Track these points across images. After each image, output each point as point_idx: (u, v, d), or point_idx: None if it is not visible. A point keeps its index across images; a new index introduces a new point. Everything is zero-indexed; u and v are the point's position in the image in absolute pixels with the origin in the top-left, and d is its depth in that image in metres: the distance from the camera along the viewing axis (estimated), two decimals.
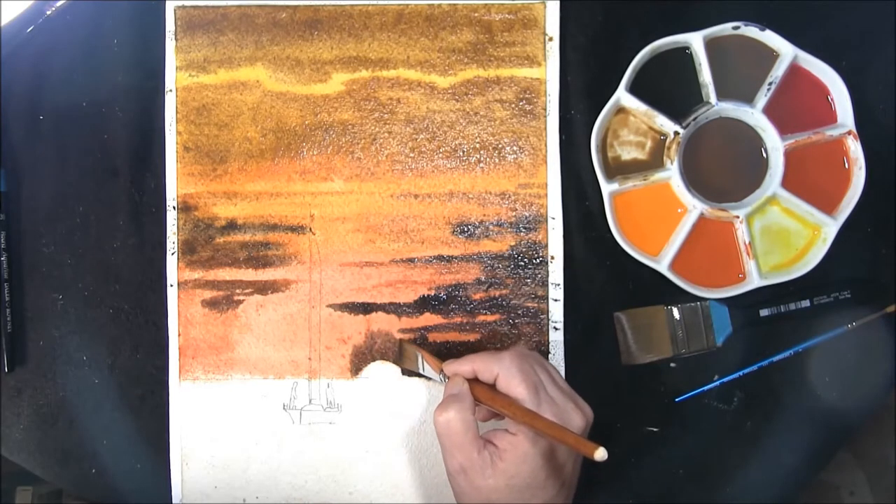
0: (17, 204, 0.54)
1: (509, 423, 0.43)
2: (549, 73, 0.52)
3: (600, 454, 0.37)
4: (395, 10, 0.53)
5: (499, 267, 0.53)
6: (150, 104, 0.53)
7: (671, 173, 0.50)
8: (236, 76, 0.53)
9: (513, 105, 0.53)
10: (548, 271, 0.52)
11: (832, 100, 0.51)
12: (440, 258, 0.53)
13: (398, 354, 0.52)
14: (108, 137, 0.53)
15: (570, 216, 0.52)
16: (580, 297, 0.53)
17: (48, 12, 0.54)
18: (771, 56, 0.51)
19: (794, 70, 0.51)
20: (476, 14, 0.53)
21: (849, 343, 0.52)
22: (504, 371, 0.43)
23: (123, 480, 0.53)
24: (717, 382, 0.52)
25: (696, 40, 0.50)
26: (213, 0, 0.53)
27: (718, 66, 0.50)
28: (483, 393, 0.44)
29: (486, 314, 0.52)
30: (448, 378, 0.46)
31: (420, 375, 0.52)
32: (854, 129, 0.50)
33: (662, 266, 0.50)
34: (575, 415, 0.43)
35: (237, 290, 0.53)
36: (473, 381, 0.45)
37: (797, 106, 0.51)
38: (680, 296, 0.51)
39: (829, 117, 0.51)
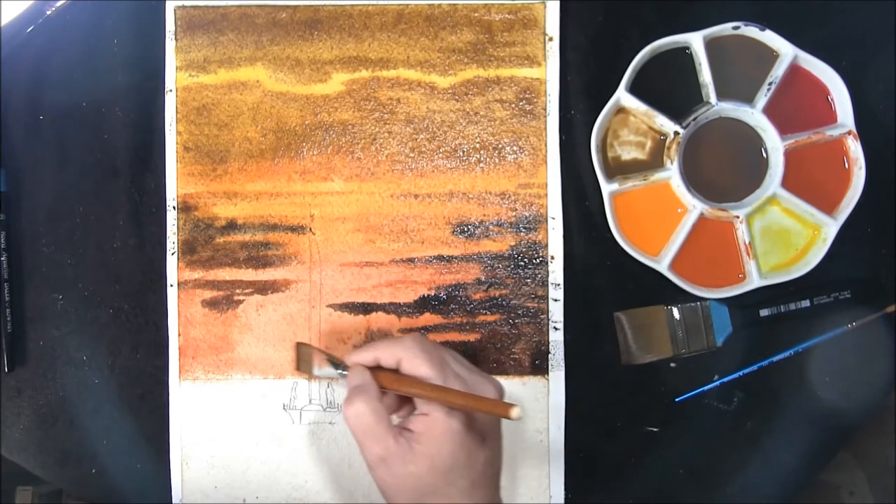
0: (17, 204, 0.54)
1: (420, 405, 0.42)
2: (549, 73, 0.52)
3: (516, 412, 0.37)
4: (395, 10, 0.53)
5: (499, 267, 0.53)
6: (150, 104, 0.53)
7: (671, 173, 0.50)
8: (236, 76, 0.53)
9: (513, 105, 0.53)
10: (548, 271, 0.52)
11: (832, 100, 0.51)
12: (440, 258, 0.53)
13: (296, 360, 0.50)
14: (108, 137, 0.53)
15: (570, 216, 0.52)
16: (580, 297, 0.53)
17: (48, 12, 0.54)
18: (771, 56, 0.51)
19: (794, 70, 0.51)
20: (476, 14, 0.53)
21: (849, 343, 0.52)
22: (407, 352, 0.42)
23: (123, 480, 0.53)
24: (717, 382, 0.52)
25: (696, 40, 0.50)
26: (213, 0, 0.53)
27: (718, 66, 0.50)
28: (388, 379, 0.43)
29: (486, 314, 0.52)
30: (345, 370, 0.45)
31: (319, 378, 0.51)
32: (854, 129, 0.50)
33: (662, 266, 0.50)
34: (486, 386, 0.43)
35: (237, 290, 0.53)
36: (377, 369, 0.44)
37: (797, 106, 0.51)
38: (680, 296, 0.51)
39: (829, 117, 0.51)
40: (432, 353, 0.42)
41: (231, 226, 0.53)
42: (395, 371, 0.43)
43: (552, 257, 0.52)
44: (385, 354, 0.43)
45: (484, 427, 0.42)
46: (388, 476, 0.42)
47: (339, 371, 0.46)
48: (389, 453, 0.41)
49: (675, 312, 0.51)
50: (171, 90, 0.53)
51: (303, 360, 0.49)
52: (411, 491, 0.41)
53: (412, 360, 0.42)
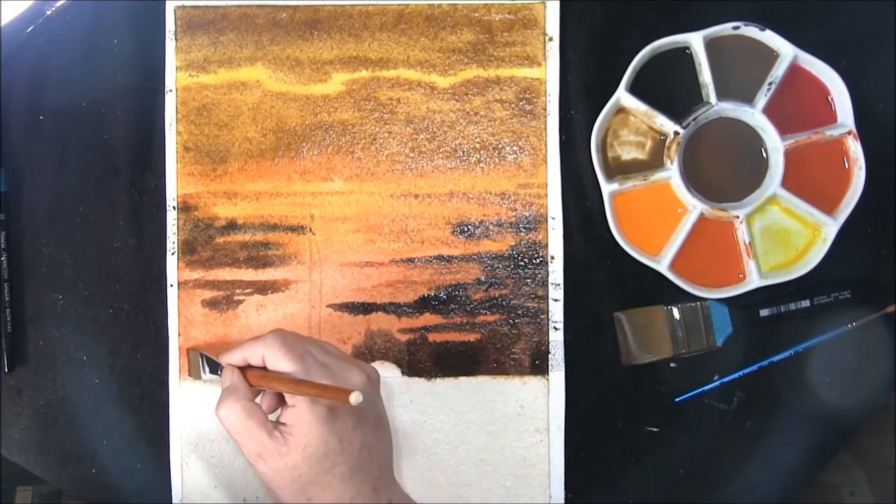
0: (17, 204, 0.54)
1: (288, 398, 0.43)
2: (549, 73, 0.52)
3: (355, 397, 0.38)
4: (395, 10, 0.53)
5: (499, 267, 0.53)
6: (150, 104, 0.53)
7: (671, 173, 0.50)
8: (236, 76, 0.53)
9: (513, 105, 0.53)
10: (548, 271, 0.52)
11: (832, 100, 0.51)
12: (440, 258, 0.53)
13: (188, 366, 0.52)
14: (108, 137, 0.53)
15: (570, 216, 0.52)
16: (580, 297, 0.53)
17: (48, 12, 0.54)
18: (771, 56, 0.51)
19: (794, 70, 0.51)
20: (476, 14, 0.53)
21: (849, 343, 0.52)
22: (268, 348, 0.43)
23: (123, 480, 0.53)
24: (717, 382, 0.52)
25: (696, 40, 0.50)
26: (213, 0, 0.53)
27: (718, 66, 0.50)
28: (255, 377, 0.44)
29: (486, 314, 0.52)
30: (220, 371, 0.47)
31: (209, 382, 0.52)
32: (854, 129, 0.50)
33: (662, 266, 0.50)
34: (352, 373, 0.44)
35: (237, 290, 0.53)
36: (247, 369, 0.45)
37: (797, 106, 0.51)
38: (680, 296, 0.51)
39: (829, 117, 0.51)
40: (294, 347, 0.43)
41: (231, 226, 0.53)
42: (263, 368, 0.45)
43: (552, 257, 0.52)
44: (250, 353, 0.44)
45: (357, 412, 0.43)
46: (267, 470, 0.43)
47: (220, 371, 0.47)
48: (265, 448, 0.42)
49: (675, 312, 0.51)
50: (171, 90, 0.53)
51: (192, 365, 0.50)
52: (291, 482, 0.42)
53: (273, 356, 0.43)
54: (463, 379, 0.52)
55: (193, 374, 0.50)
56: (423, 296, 0.53)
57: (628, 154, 0.52)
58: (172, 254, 0.53)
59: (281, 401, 0.46)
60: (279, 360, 0.43)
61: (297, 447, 0.42)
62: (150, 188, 0.53)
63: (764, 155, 0.51)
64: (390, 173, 0.53)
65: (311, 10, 0.53)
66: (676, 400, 0.52)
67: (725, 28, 0.51)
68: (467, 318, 0.53)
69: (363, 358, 0.52)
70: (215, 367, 0.48)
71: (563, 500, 0.52)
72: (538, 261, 0.52)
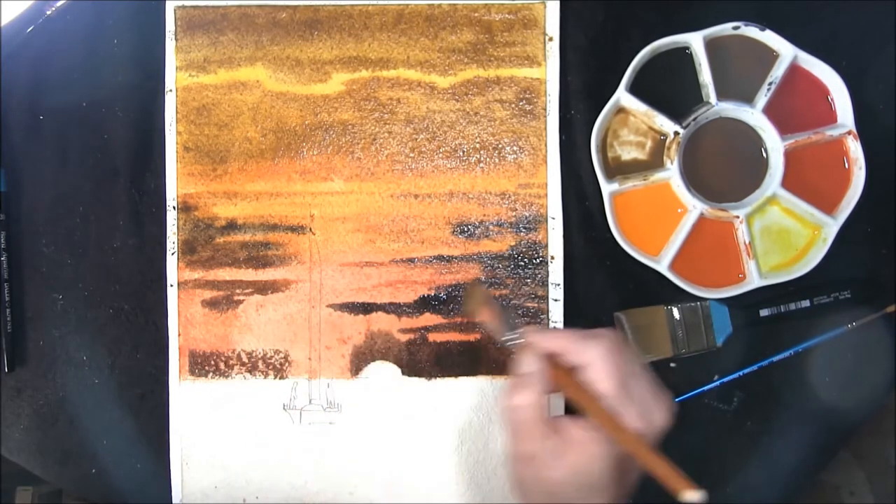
0: (17, 204, 0.54)
1: (588, 419, 0.39)
2: (549, 73, 0.52)
3: (691, 496, 0.34)
4: (395, 10, 0.53)
5: (499, 267, 0.53)
6: (150, 104, 0.53)
7: (671, 173, 0.50)
8: (236, 76, 0.53)
9: (513, 105, 0.53)
10: (548, 271, 0.52)
11: (832, 100, 0.51)
12: (440, 258, 0.53)
13: (464, 298, 0.49)
14: (108, 137, 0.54)
15: (570, 216, 0.52)
16: (580, 297, 0.53)
17: (48, 12, 0.54)
18: (771, 56, 0.51)
19: (794, 70, 0.51)
20: (476, 14, 0.53)
21: (849, 343, 0.52)
22: (597, 361, 0.38)
23: (123, 480, 0.53)
24: (717, 382, 0.52)
25: (696, 40, 0.50)
26: (213, 0, 0.53)
27: (718, 66, 0.50)
28: (563, 378, 0.39)
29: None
30: (515, 341, 0.42)
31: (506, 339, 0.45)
32: (854, 129, 0.50)
33: (662, 266, 0.50)
34: (658, 415, 0.39)
35: (237, 290, 0.53)
36: (551, 360, 0.40)
37: (797, 106, 0.51)
38: (680, 296, 0.51)
39: (829, 117, 0.51)
40: (620, 368, 0.38)
41: (231, 226, 0.53)
42: (572, 369, 0.40)
43: (552, 257, 0.52)
44: (571, 350, 0.39)
45: (635, 463, 0.39)
46: (529, 474, 0.39)
47: (508, 338, 0.43)
48: (539, 454, 0.38)
49: (675, 312, 0.51)
50: (171, 90, 0.53)
51: (471, 300, 0.47)
52: (545, 495, 0.39)
53: (598, 372, 0.38)
54: (463, 379, 0.52)
55: (467, 310, 0.46)
56: (423, 296, 0.53)
57: (628, 154, 0.52)
58: (172, 254, 0.53)
59: (557, 389, 0.41)
60: (602, 380, 0.38)
61: (572, 469, 0.38)
62: (150, 188, 0.53)
63: (764, 155, 0.51)
64: (390, 173, 0.53)
65: (311, 10, 0.53)
66: (676, 400, 0.52)
67: (725, 28, 0.51)
68: (467, 317, 0.53)
69: (363, 358, 0.53)
70: (503, 323, 0.43)
71: None
72: (538, 261, 0.52)
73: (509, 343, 0.43)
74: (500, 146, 0.53)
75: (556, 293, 0.52)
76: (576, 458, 0.38)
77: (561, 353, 0.40)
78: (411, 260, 0.53)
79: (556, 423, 0.39)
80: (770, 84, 0.50)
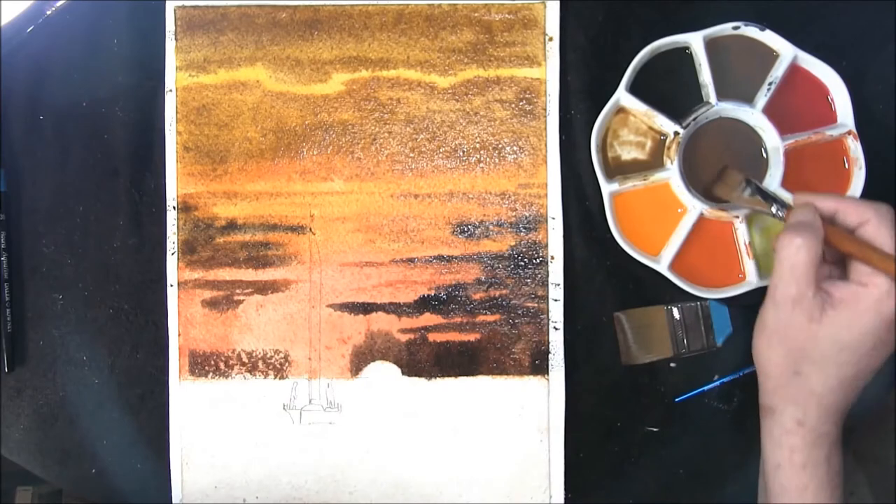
0: (17, 204, 0.54)
1: (858, 275, 0.39)
2: (549, 73, 0.52)
3: None
4: (395, 10, 0.53)
5: (499, 267, 0.53)
6: (150, 104, 0.53)
7: (671, 173, 0.50)
8: (236, 76, 0.53)
9: (513, 105, 0.53)
10: (548, 271, 0.52)
11: (832, 100, 0.51)
12: (440, 258, 0.53)
13: (715, 180, 0.48)
14: (108, 137, 0.54)
15: (570, 216, 0.52)
16: (580, 297, 0.53)
17: (48, 12, 0.54)
18: (771, 56, 0.51)
19: (794, 70, 0.51)
20: (476, 14, 0.53)
21: None
22: (878, 217, 0.39)
23: (123, 480, 0.53)
24: (717, 382, 0.52)
25: (696, 40, 0.50)
26: (213, 0, 0.53)
27: (718, 66, 0.50)
28: (836, 233, 0.40)
29: (486, 314, 0.52)
30: (789, 209, 0.42)
31: (744, 204, 0.47)
32: (854, 129, 0.50)
33: (662, 266, 0.50)
34: None
35: (237, 290, 0.53)
36: (826, 220, 0.40)
37: (797, 106, 0.51)
38: (680, 296, 0.51)
39: (829, 117, 0.51)
40: None
41: (231, 226, 0.53)
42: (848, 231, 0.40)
43: (552, 257, 0.52)
44: (851, 209, 0.40)
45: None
46: (785, 320, 0.40)
47: (776, 207, 0.43)
48: (802, 301, 0.39)
49: (675, 312, 0.51)
50: (171, 90, 0.53)
51: (726, 183, 0.47)
52: (795, 347, 0.40)
53: (881, 226, 0.39)
54: (463, 379, 0.52)
55: (722, 192, 0.46)
56: (423, 296, 0.53)
57: (628, 154, 0.52)
58: (172, 254, 0.53)
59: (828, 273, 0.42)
60: (885, 235, 0.38)
61: (831, 324, 0.38)
62: (150, 188, 0.53)
63: (764, 155, 0.51)
64: (390, 173, 0.53)
65: (311, 10, 0.53)
66: (676, 400, 0.52)
67: (725, 28, 0.51)
68: (467, 318, 0.53)
69: (363, 358, 0.53)
70: (763, 197, 0.44)
71: (563, 500, 0.52)
72: (538, 261, 0.52)
73: (779, 210, 0.43)
74: (500, 146, 0.53)
75: (556, 293, 0.52)
76: (838, 313, 0.39)
77: (837, 212, 0.41)
78: (411, 260, 0.53)
79: (824, 283, 0.40)
80: (770, 84, 0.50)
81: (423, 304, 0.53)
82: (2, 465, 0.57)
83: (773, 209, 0.44)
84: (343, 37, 0.53)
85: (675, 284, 0.51)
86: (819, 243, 0.39)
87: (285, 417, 0.53)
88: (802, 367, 0.40)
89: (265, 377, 0.53)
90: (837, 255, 0.42)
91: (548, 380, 0.52)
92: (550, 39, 0.52)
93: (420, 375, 0.52)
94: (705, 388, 0.52)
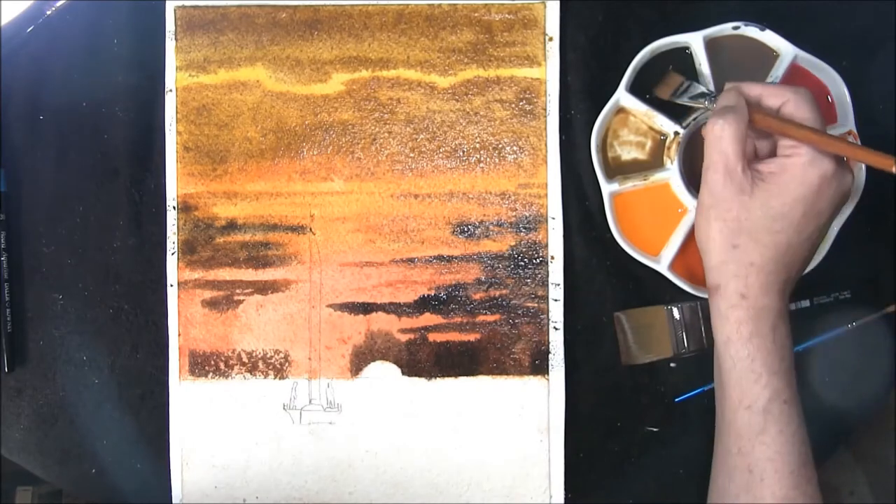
0: (17, 204, 0.54)
1: (783, 149, 0.42)
2: (549, 73, 0.52)
3: None
4: (395, 10, 0.53)
5: (499, 267, 0.53)
6: (150, 104, 0.53)
7: (671, 173, 0.50)
8: (236, 76, 0.53)
9: (513, 105, 0.53)
10: (548, 271, 0.52)
11: (832, 100, 0.51)
12: (440, 258, 0.53)
13: (657, 83, 0.50)
14: (108, 137, 0.54)
15: (570, 216, 0.52)
16: (580, 297, 0.53)
17: (48, 12, 0.54)
18: (771, 56, 0.51)
19: (794, 70, 0.51)
20: (476, 14, 0.53)
21: (849, 343, 0.52)
22: (796, 95, 0.42)
23: (123, 480, 0.53)
24: None
25: (696, 40, 0.50)
26: (213, 0, 0.53)
27: (718, 67, 0.50)
28: (762, 116, 0.42)
29: (486, 314, 0.52)
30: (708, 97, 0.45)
31: (678, 101, 0.50)
32: (854, 129, 0.50)
33: (662, 266, 0.50)
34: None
35: (237, 290, 0.53)
36: (752, 105, 0.43)
37: None
38: (680, 296, 0.51)
39: (829, 117, 0.51)
40: (819, 108, 0.42)
41: (231, 226, 0.53)
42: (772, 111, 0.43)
43: (552, 257, 0.52)
44: (771, 92, 0.43)
45: (827, 202, 0.42)
46: (713, 195, 0.42)
47: (709, 102, 0.45)
48: (732, 177, 0.41)
49: (675, 312, 0.51)
50: (171, 90, 0.53)
51: (667, 84, 0.49)
52: (731, 220, 0.42)
53: (799, 105, 0.42)
54: (463, 379, 0.52)
55: (661, 92, 0.49)
56: (423, 296, 0.53)
57: (628, 154, 0.52)
58: (172, 254, 0.53)
59: (764, 154, 0.45)
60: (806, 110, 0.41)
61: (763, 195, 0.41)
62: (150, 188, 0.53)
63: None
64: (390, 173, 0.53)
65: (311, 10, 0.53)
66: (676, 400, 0.52)
67: (725, 28, 0.51)
68: (467, 318, 0.53)
69: (363, 358, 0.53)
70: (699, 95, 0.47)
71: (563, 500, 0.52)
72: (538, 261, 0.52)
73: (709, 100, 0.46)
74: (500, 146, 0.53)
75: (556, 293, 0.52)
76: (768, 185, 0.41)
77: (761, 97, 0.43)
78: (411, 260, 0.53)
79: (754, 163, 0.42)
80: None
81: (423, 304, 0.53)
82: (2, 465, 0.57)
83: (707, 103, 0.46)
84: (343, 37, 0.53)
85: (675, 284, 0.51)
86: (742, 122, 0.41)
87: (285, 417, 0.53)
88: (739, 240, 0.42)
89: (265, 377, 0.53)
90: (771, 143, 0.45)
91: (548, 380, 0.52)
92: (550, 39, 0.52)
93: (420, 375, 0.52)
94: (705, 388, 0.52)
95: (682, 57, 0.51)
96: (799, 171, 0.41)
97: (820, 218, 0.42)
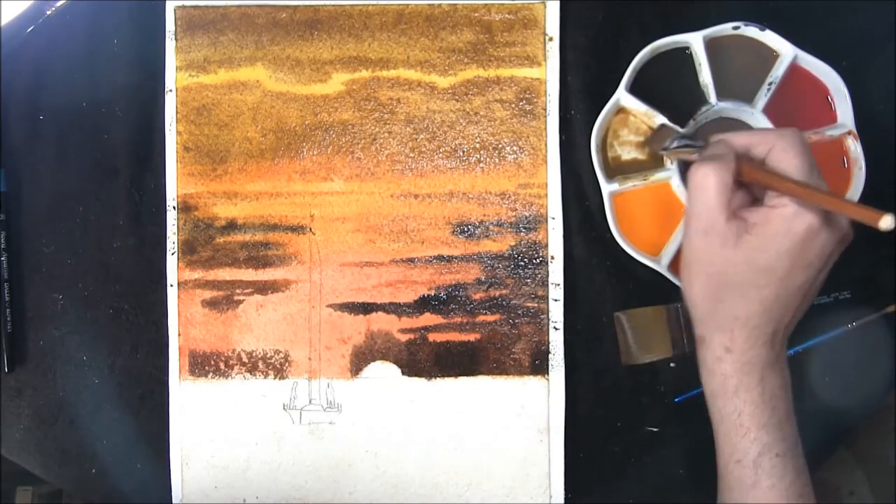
0: (17, 204, 0.54)
1: (769, 199, 0.40)
2: (549, 73, 0.52)
3: (886, 222, 0.34)
4: (395, 10, 0.53)
5: (499, 267, 0.53)
6: (150, 104, 0.53)
7: (671, 173, 0.50)
8: (236, 76, 0.53)
9: (513, 105, 0.53)
10: (548, 271, 0.52)
11: (832, 100, 0.51)
12: (440, 258, 0.53)
13: (650, 139, 0.50)
14: (108, 137, 0.54)
15: (570, 216, 0.52)
16: (580, 297, 0.53)
17: (48, 12, 0.54)
18: (771, 56, 0.51)
19: (794, 70, 0.51)
20: (476, 14, 0.53)
21: (849, 343, 0.52)
22: (782, 141, 0.40)
23: (123, 480, 0.53)
24: None
25: (696, 40, 0.50)
26: (213, 0, 0.53)
27: (718, 66, 0.50)
28: (750, 169, 0.40)
29: (486, 314, 0.52)
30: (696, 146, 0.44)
31: (670, 154, 0.49)
32: (854, 129, 0.50)
33: (662, 266, 0.50)
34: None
35: (237, 290, 0.53)
36: (740, 157, 0.41)
37: (797, 106, 0.51)
38: (680, 296, 0.51)
39: (829, 117, 0.51)
40: (808, 152, 0.39)
41: (231, 226, 0.53)
42: (761, 163, 0.41)
43: (552, 257, 0.52)
44: (758, 140, 0.41)
45: (816, 253, 0.40)
46: (701, 250, 0.40)
47: (696, 146, 0.44)
48: (715, 229, 0.39)
49: (676, 312, 0.51)
50: (171, 90, 0.53)
51: (656, 139, 0.49)
52: (715, 274, 0.40)
53: (785, 151, 0.39)
54: (463, 379, 0.52)
55: (654, 146, 0.49)
56: (423, 296, 0.53)
57: (628, 154, 0.52)
58: (172, 254, 0.53)
59: (746, 206, 0.42)
60: (791, 157, 0.39)
61: (747, 247, 0.39)
62: (150, 188, 0.53)
63: None
64: (390, 173, 0.53)
65: (311, 10, 0.53)
66: (676, 400, 0.52)
67: (725, 28, 0.51)
68: (467, 318, 0.53)
69: (363, 358, 0.53)
70: (688, 144, 0.46)
71: (563, 500, 0.52)
72: (538, 261, 0.52)
73: (698, 149, 0.44)
74: (500, 146, 0.53)
75: (556, 293, 0.52)
76: (753, 237, 0.39)
77: (750, 147, 0.41)
78: (411, 260, 0.53)
79: (738, 210, 0.40)
80: (770, 84, 0.50)
81: (423, 304, 0.53)
82: (2, 465, 0.57)
83: (696, 156, 0.45)
84: (343, 37, 0.53)
85: (675, 284, 0.51)
86: (728, 172, 0.39)
87: (285, 417, 0.53)
88: (724, 294, 0.40)
89: (265, 377, 0.53)
90: (759, 190, 0.43)
91: (548, 380, 0.52)
92: (550, 39, 0.52)
93: (420, 375, 0.52)
94: None
95: (682, 57, 0.51)
96: (783, 223, 0.39)
97: (809, 270, 0.40)
